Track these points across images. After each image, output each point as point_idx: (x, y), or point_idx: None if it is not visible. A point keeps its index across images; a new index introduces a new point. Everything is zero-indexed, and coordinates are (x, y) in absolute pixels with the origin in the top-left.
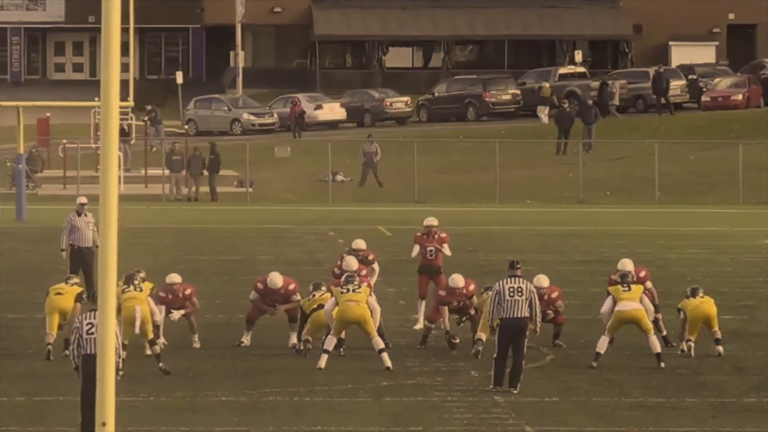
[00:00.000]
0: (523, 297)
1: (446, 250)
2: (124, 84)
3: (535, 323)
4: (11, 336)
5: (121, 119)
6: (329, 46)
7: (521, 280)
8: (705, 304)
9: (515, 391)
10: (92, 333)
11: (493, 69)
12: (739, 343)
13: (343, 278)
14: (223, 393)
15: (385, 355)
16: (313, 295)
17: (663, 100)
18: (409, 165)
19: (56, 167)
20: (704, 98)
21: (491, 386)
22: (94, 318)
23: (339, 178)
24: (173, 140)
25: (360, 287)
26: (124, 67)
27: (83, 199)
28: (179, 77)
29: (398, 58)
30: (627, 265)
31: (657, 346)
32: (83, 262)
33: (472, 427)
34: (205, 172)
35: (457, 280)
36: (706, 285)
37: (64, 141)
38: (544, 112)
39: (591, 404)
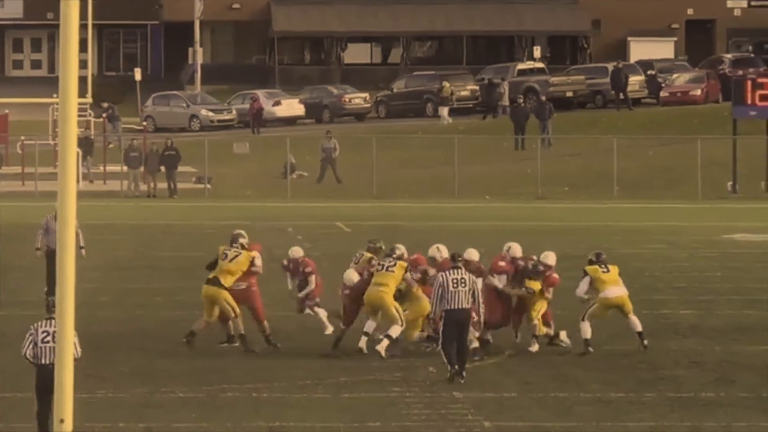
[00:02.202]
0: (466, 288)
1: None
2: (82, 81)
3: (478, 313)
4: None
5: (80, 116)
6: (288, 42)
7: (464, 271)
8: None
9: (462, 381)
10: (47, 342)
11: (452, 65)
12: (697, 338)
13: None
14: (182, 389)
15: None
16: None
17: (621, 96)
18: (367, 161)
19: (15, 164)
20: (663, 93)
21: (448, 371)
22: (49, 326)
23: (297, 173)
24: (131, 137)
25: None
26: (83, 64)
27: None
28: (137, 74)
29: (357, 54)
30: (550, 258)
31: (638, 324)
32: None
33: (431, 422)
34: (163, 169)
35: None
36: (664, 280)
37: (23, 138)
38: (444, 112)
39: (549, 399)
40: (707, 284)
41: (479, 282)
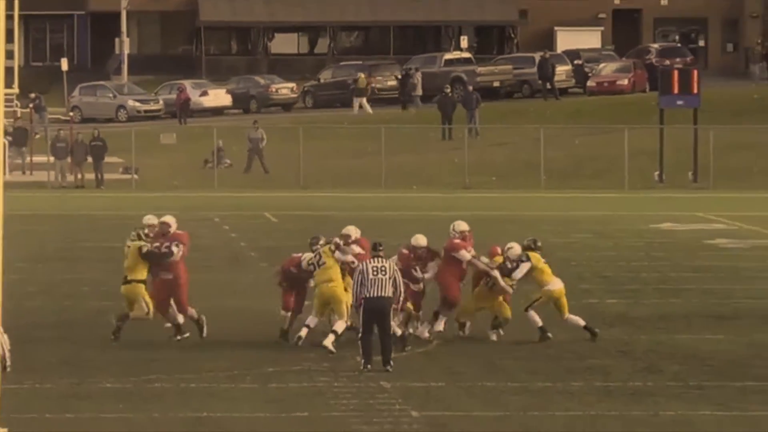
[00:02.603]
0: (387, 276)
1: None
2: (9, 71)
3: (398, 302)
4: None
5: (7, 107)
6: (214, 32)
7: (384, 259)
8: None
9: (389, 369)
10: None
11: (379, 55)
12: (624, 327)
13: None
14: (109, 380)
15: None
16: None
17: (548, 86)
18: (294, 151)
19: None
20: (590, 83)
21: (361, 366)
22: None
23: (225, 162)
24: (58, 127)
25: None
26: (9, 54)
27: None
28: (64, 64)
29: (284, 44)
30: (420, 240)
31: (580, 320)
32: None
33: (359, 412)
34: (90, 159)
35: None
36: (590, 270)
37: None
38: (358, 103)
39: (477, 389)
40: (634, 274)
41: (433, 265)
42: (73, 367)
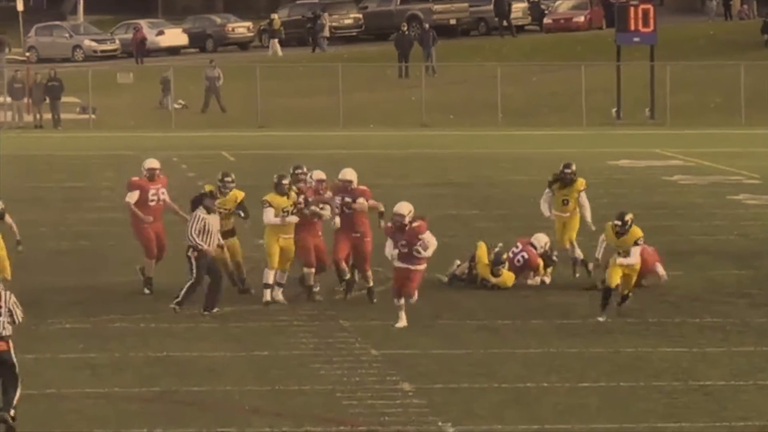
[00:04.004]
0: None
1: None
2: None
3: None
4: None
5: None
6: None
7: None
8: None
9: (206, 313)
10: None
11: None
12: (583, 265)
13: None
14: (69, 320)
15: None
16: None
17: (505, 23)
18: (251, 90)
19: None
20: (546, 20)
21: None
22: None
23: (177, 103)
24: (15, 68)
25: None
26: None
27: None
28: (20, 4)
29: None
30: (348, 174)
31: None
32: None
33: (319, 351)
34: (47, 99)
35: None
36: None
37: None
38: (275, 45)
39: (436, 327)
40: (593, 211)
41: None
42: (32, 307)
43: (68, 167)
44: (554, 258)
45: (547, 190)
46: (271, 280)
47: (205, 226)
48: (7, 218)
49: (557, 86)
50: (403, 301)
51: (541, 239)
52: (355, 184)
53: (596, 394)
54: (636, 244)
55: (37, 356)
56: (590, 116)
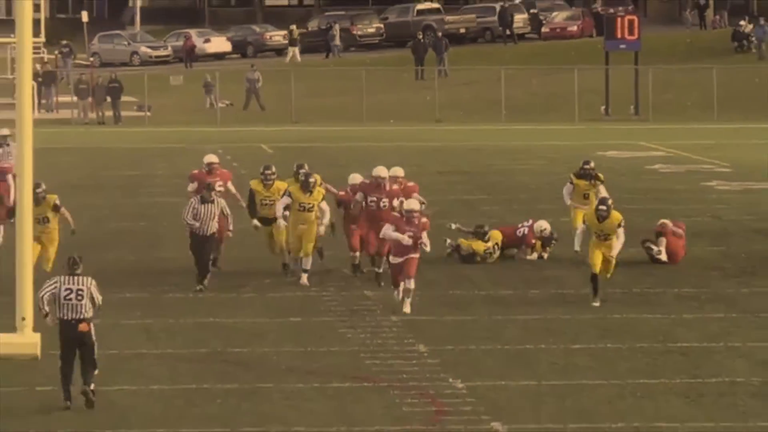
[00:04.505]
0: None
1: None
2: (36, 22)
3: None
4: None
5: (34, 53)
6: None
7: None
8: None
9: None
10: (69, 299)
11: (359, 5)
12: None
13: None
14: (128, 291)
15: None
16: None
17: (508, 32)
18: (287, 90)
19: None
20: (544, 29)
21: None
22: (72, 283)
23: (222, 103)
24: (80, 71)
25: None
26: (36, 8)
27: (5, 131)
28: (84, 16)
29: None
30: (381, 171)
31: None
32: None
33: (345, 317)
34: (109, 99)
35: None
36: (546, 192)
37: None
38: (291, 52)
39: (448, 296)
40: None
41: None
42: (95, 280)
43: (127, 158)
44: (555, 238)
45: (569, 183)
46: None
47: (196, 213)
48: (63, 210)
49: (553, 87)
50: (402, 287)
51: (541, 225)
52: (387, 183)
53: (587, 355)
54: (620, 226)
55: (101, 322)
56: (582, 113)
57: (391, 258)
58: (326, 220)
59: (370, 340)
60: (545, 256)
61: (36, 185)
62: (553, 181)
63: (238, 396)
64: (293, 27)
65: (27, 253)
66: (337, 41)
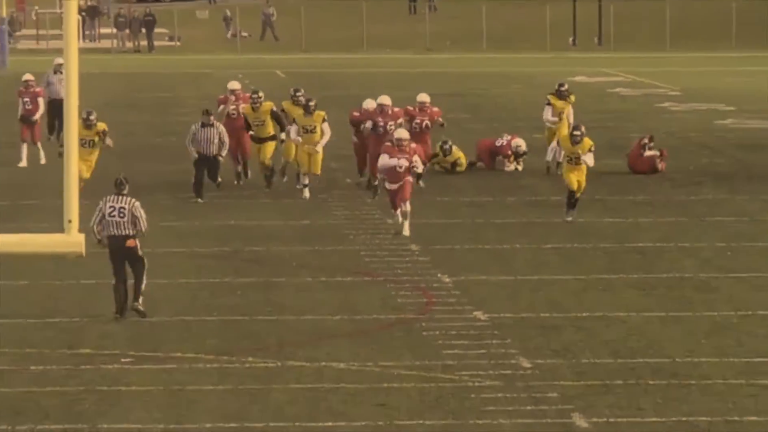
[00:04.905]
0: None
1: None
2: None
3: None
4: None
5: None
6: None
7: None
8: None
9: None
10: (113, 216)
11: None
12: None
13: None
14: (160, 197)
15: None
16: None
17: None
18: (298, 23)
19: (30, 28)
20: None
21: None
22: (116, 201)
23: (242, 34)
24: (119, 6)
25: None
26: None
27: (60, 60)
28: None
29: None
30: (385, 99)
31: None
32: (58, 112)
33: (348, 221)
34: (144, 30)
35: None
36: (524, 114)
37: (36, 7)
38: None
39: (436, 203)
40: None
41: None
42: (131, 187)
43: (159, 82)
44: (526, 152)
45: (547, 105)
46: (305, 182)
47: (194, 136)
48: (108, 140)
49: (528, 20)
50: (400, 210)
51: (518, 142)
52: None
53: (556, 254)
54: (590, 150)
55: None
56: (552, 43)
57: (387, 185)
58: (325, 139)
59: (369, 240)
60: (520, 168)
61: (88, 112)
62: (528, 102)
63: (255, 288)
64: None
65: (73, 161)
66: None
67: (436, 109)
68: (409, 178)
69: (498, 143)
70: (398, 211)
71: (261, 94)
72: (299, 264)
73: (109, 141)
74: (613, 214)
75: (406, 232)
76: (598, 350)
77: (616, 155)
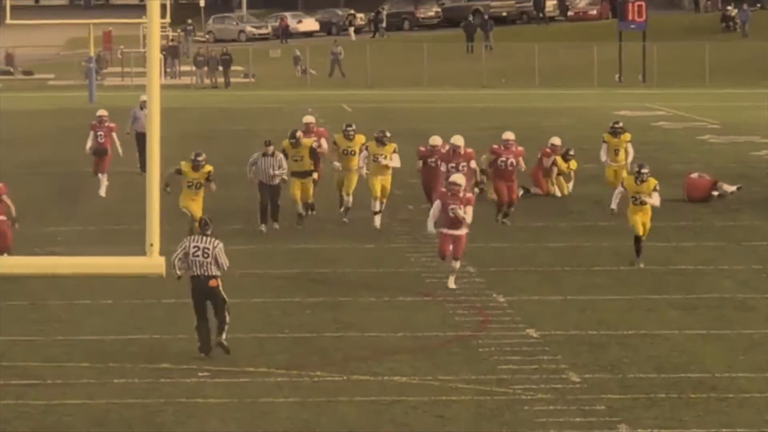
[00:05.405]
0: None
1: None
2: (163, 6)
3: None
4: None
5: (162, 32)
6: None
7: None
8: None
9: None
10: (197, 255)
11: None
12: (597, 185)
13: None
14: (234, 223)
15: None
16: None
17: (541, 15)
18: (363, 61)
19: (116, 66)
20: (570, 12)
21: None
22: (200, 241)
23: (309, 70)
24: (198, 46)
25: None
26: None
27: (145, 97)
28: (202, 1)
29: None
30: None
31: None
32: (145, 144)
33: (410, 245)
34: (221, 68)
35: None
36: (572, 145)
37: (122, 47)
38: (351, 31)
39: (492, 226)
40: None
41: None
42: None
43: (235, 116)
44: (571, 153)
45: (603, 143)
46: (376, 208)
47: (255, 165)
48: (212, 184)
49: (577, 59)
50: (450, 263)
51: (554, 140)
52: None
53: (604, 275)
54: (655, 190)
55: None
56: (599, 80)
57: (442, 228)
58: (394, 164)
59: (429, 262)
60: (573, 168)
61: (197, 154)
62: (579, 137)
63: (323, 307)
64: (351, 11)
65: (154, 187)
66: (384, 24)
67: (521, 148)
68: (463, 232)
69: (545, 164)
70: (447, 259)
71: (299, 134)
72: (363, 284)
73: (213, 186)
74: (657, 238)
75: (452, 285)
76: (642, 366)
77: (661, 185)
